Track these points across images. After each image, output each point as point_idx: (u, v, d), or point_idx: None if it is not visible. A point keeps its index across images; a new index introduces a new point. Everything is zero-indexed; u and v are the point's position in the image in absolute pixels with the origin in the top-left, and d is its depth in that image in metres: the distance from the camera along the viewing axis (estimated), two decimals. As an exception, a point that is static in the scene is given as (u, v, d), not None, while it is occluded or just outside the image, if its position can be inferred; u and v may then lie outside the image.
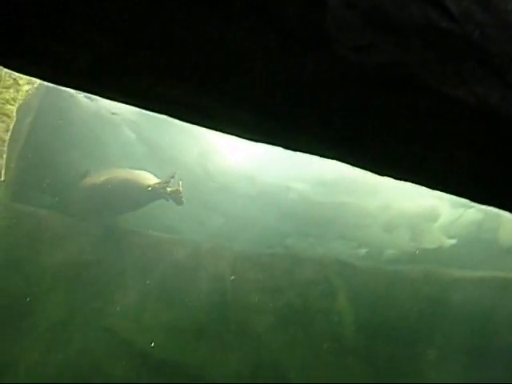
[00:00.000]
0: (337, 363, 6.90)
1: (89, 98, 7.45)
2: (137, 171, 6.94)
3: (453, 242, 8.91)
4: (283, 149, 2.17)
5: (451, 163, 2.01)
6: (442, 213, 8.89)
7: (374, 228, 8.76)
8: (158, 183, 6.62)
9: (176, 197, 6.59)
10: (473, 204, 8.58)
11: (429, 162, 2.03)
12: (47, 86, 6.26)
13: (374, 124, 1.89)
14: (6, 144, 4.92)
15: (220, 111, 2.02)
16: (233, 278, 7.00)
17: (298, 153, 2.21)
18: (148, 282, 6.76)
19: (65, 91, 7.10)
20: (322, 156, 2.15)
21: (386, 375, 6.85)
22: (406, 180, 2.24)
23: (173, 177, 6.55)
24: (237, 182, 8.45)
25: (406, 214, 8.73)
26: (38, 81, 5.14)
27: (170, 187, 6.58)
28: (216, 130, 2.11)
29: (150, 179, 6.76)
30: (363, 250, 8.78)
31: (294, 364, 6.78)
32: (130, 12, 1.75)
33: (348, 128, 1.94)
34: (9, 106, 4.72)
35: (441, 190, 2.34)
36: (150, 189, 6.61)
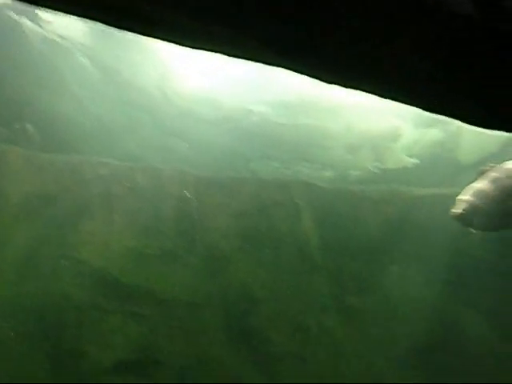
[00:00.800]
0: (304, 281, 7.07)
1: (35, 23, 7.00)
2: None
3: (416, 161, 9.04)
4: (230, 57, 2.07)
5: (402, 66, 1.95)
6: (404, 133, 8.94)
7: (338, 149, 8.77)
8: None
9: None
10: (434, 123, 8.67)
11: (379, 66, 1.96)
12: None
13: (323, 25, 1.80)
14: None
15: (160, 17, 1.90)
16: (189, 196, 6.98)
17: (246, 61, 2.12)
18: (113, 212, 6.71)
19: (8, 16, 6.65)
20: (269, 64, 2.06)
21: (352, 291, 7.09)
22: (356, 88, 2.18)
23: None
24: (198, 107, 8.25)
25: (369, 134, 8.74)
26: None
27: None
28: (156, 37, 1.99)
29: None
30: (328, 172, 8.84)
31: (263, 284, 6.93)
32: None
33: (295, 31, 1.84)
34: None
35: (392, 98, 2.29)
36: None
